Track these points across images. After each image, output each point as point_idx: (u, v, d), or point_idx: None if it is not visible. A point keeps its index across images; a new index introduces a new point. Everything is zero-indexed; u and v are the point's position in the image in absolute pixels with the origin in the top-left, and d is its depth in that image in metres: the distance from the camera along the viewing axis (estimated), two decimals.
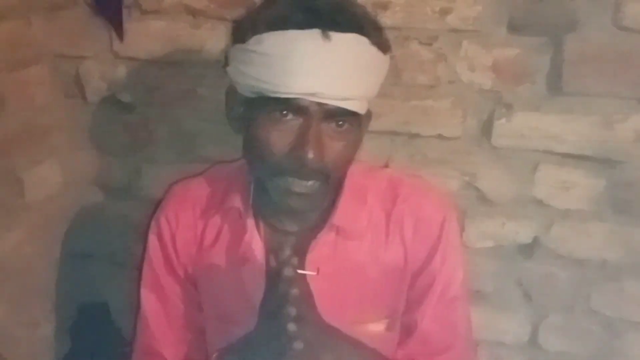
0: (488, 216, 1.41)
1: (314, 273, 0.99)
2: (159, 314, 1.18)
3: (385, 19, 1.30)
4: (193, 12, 1.43)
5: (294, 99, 0.92)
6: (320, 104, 0.93)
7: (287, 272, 0.89)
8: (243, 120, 1.01)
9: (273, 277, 0.91)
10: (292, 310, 0.88)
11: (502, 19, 1.27)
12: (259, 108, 0.96)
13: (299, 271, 0.90)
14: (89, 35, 1.52)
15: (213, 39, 1.43)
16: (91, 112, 1.61)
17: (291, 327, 0.88)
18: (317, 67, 0.91)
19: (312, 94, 0.92)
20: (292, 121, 0.95)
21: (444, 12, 1.29)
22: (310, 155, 0.92)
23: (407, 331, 1.13)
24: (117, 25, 1.48)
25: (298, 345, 0.89)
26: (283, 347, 0.90)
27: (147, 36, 1.49)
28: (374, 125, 1.29)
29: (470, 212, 1.41)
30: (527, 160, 1.35)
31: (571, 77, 1.27)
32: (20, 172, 1.54)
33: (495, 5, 1.27)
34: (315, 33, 0.90)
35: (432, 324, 1.11)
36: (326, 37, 0.90)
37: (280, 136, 0.95)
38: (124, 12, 1.47)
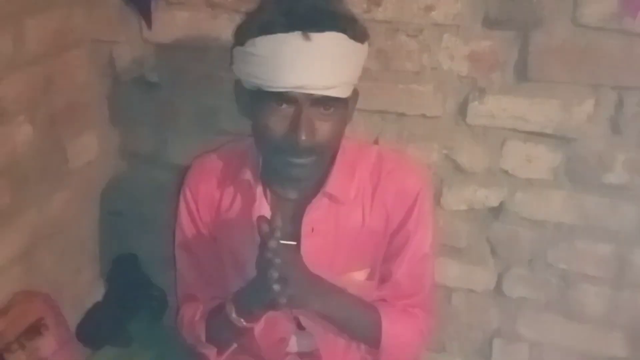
0: (463, 184, 1.45)
1: (294, 243, 1.07)
2: (190, 266, 1.26)
3: (378, 13, 1.35)
4: (212, 5, 1.47)
5: (285, 92, 0.98)
6: (307, 94, 0.97)
7: (272, 243, 0.95)
8: (248, 108, 1.07)
9: (262, 245, 0.98)
10: (275, 275, 0.95)
11: (478, 16, 1.30)
12: (260, 99, 1.01)
13: (282, 242, 0.97)
14: (121, 23, 1.56)
15: (229, 28, 1.39)
16: (123, 90, 1.65)
17: (275, 287, 0.96)
18: (301, 64, 0.95)
19: (300, 87, 0.96)
20: (286, 109, 1.00)
21: (429, 9, 1.32)
22: (303, 137, 0.98)
23: (383, 279, 1.20)
24: (146, 15, 1.52)
25: (282, 300, 0.97)
26: (272, 299, 0.98)
27: (172, 25, 1.52)
28: (367, 105, 1.36)
29: (447, 180, 1.46)
30: (496, 137, 1.39)
31: (536, 67, 1.30)
32: (65, 142, 1.59)
33: (472, 4, 1.30)
34: (297, 35, 0.94)
35: (404, 274, 1.17)
36: (306, 37, 0.94)
37: (277, 122, 1.00)
38: (152, 3, 1.51)
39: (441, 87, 1.39)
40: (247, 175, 1.15)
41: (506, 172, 1.42)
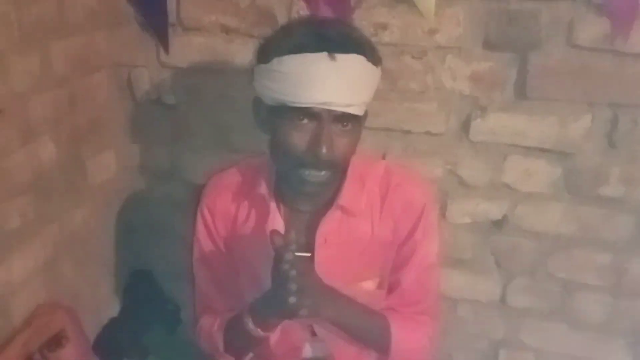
0: (466, 197, 1.50)
1: (309, 254, 1.10)
2: (208, 279, 1.30)
3: (385, 37, 1.41)
4: (227, 30, 1.53)
5: (309, 107, 1.03)
6: (329, 110, 1.03)
7: (288, 256, 1.00)
8: (268, 123, 1.12)
9: (277, 257, 1.02)
10: (293, 286, 1.00)
11: (479, 39, 1.37)
12: (281, 114, 1.06)
13: (297, 254, 1.00)
14: (140, 48, 1.63)
15: (243, 51, 1.53)
16: (141, 111, 1.71)
17: (292, 299, 1.00)
18: (326, 81, 1.02)
19: (323, 103, 1.02)
20: (308, 124, 1.05)
21: (433, 32, 1.38)
22: (324, 150, 1.04)
23: (391, 289, 1.25)
24: (163, 40, 1.59)
25: (303, 312, 1.02)
26: (288, 310, 1.02)
27: (188, 49, 1.58)
28: (374, 123, 1.41)
29: (451, 194, 1.51)
30: (498, 152, 1.44)
31: (534, 86, 1.36)
32: (86, 160, 1.65)
33: (473, 28, 1.36)
34: (324, 55, 1.01)
35: (412, 283, 1.22)
36: (332, 58, 1.01)
37: (299, 136, 1.06)
38: (169, 29, 1.57)
39: (444, 106, 1.44)
40: (262, 189, 1.20)
41: (508, 186, 1.47)
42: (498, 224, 1.51)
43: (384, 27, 1.41)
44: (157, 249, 1.84)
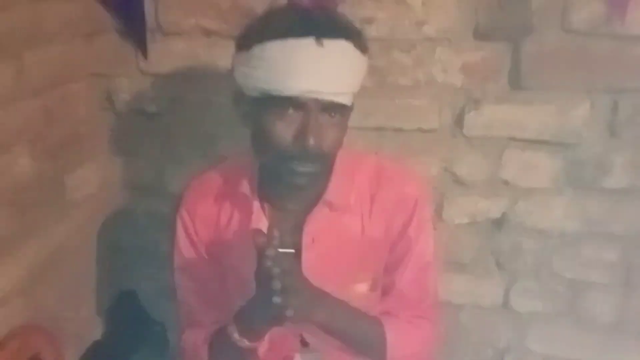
0: (463, 196, 1.45)
1: (292, 251, 1.03)
2: (191, 289, 1.23)
3: (371, 31, 1.36)
4: (208, 33, 1.48)
5: (295, 96, 0.97)
6: (317, 100, 0.98)
7: (269, 251, 0.93)
8: (250, 116, 1.06)
9: (260, 255, 0.96)
10: (276, 285, 0.93)
11: (469, 28, 1.33)
12: (265, 106, 1.01)
13: (280, 250, 0.94)
14: (119, 57, 1.57)
15: (226, 55, 1.41)
16: (122, 122, 1.65)
17: (276, 299, 0.93)
18: (313, 68, 0.96)
19: (310, 92, 0.97)
20: (294, 115, 0.99)
21: (420, 24, 1.35)
22: (311, 141, 0.98)
23: (385, 291, 1.18)
24: (142, 46, 1.53)
25: (289, 312, 0.94)
26: (274, 313, 0.96)
27: (169, 55, 1.53)
28: (364, 122, 1.37)
29: (448, 194, 1.45)
30: (494, 147, 1.39)
31: (529, 74, 1.32)
32: (64, 174, 1.58)
33: (462, 17, 1.32)
34: (310, 40, 0.96)
35: (407, 284, 1.16)
36: (320, 43, 0.96)
37: (284, 128, 1.00)
38: (148, 34, 1.52)
39: (436, 100, 1.40)
40: (244, 188, 1.14)
41: (506, 182, 1.42)
42: (498, 223, 1.45)
43: (370, 21, 1.37)
44: (142, 268, 1.77)
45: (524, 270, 1.47)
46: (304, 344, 1.18)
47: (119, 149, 1.69)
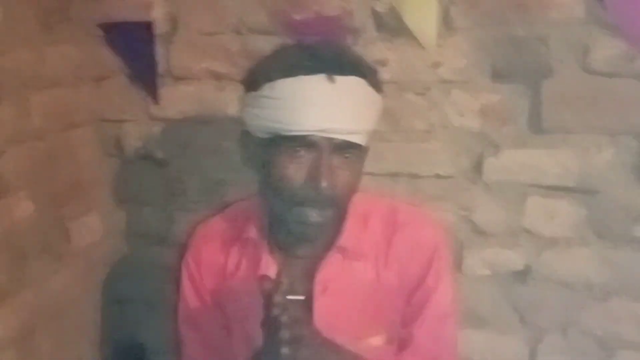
0: (484, 246, 1.37)
1: (302, 298, 0.98)
2: (196, 341, 1.16)
3: (384, 74, 1.30)
4: (218, 77, 1.46)
5: (307, 135, 0.93)
6: (329, 139, 0.93)
7: (277, 298, 0.87)
8: (258, 159, 1.02)
9: (267, 302, 0.89)
10: (285, 334, 0.86)
11: (486, 69, 1.28)
12: (274, 147, 0.96)
13: (288, 297, 0.88)
14: (128, 102, 1.56)
15: (235, 99, 1.45)
16: (129, 168, 1.62)
17: (284, 350, 0.86)
18: (324, 106, 0.92)
19: (322, 130, 0.92)
20: (305, 156, 0.95)
21: (435, 65, 1.30)
22: (324, 184, 0.93)
23: (402, 345, 1.10)
24: (152, 91, 1.52)
25: None
26: None
27: (178, 99, 1.51)
28: (377, 168, 1.32)
29: (467, 243, 1.38)
30: (515, 194, 1.32)
31: (549, 117, 1.26)
32: (67, 221, 1.54)
33: (478, 58, 1.28)
34: (321, 77, 0.92)
35: (425, 336, 1.08)
36: (331, 80, 0.92)
37: (295, 170, 0.95)
38: (158, 79, 1.50)
39: (453, 145, 1.34)
40: (252, 232, 1.08)
41: (529, 231, 1.34)
42: (521, 275, 1.37)
43: (383, 63, 1.33)
44: (148, 322, 1.70)
45: (550, 327, 1.37)
46: None
47: (125, 197, 1.65)
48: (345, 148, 0.95)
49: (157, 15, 1.47)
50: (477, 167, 1.34)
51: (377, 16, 1.31)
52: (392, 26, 1.31)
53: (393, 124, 1.35)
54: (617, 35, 1.19)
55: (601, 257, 1.30)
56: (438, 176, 1.36)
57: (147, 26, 1.48)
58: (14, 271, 1.36)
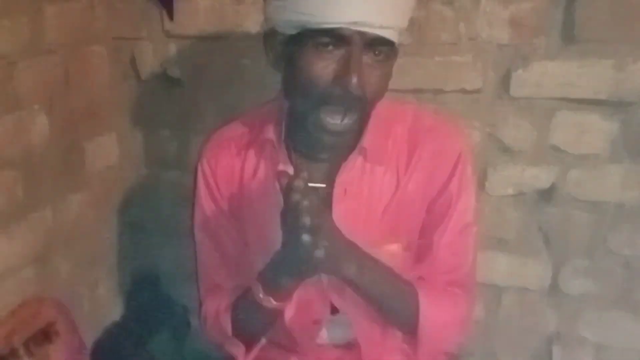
0: (509, 164, 1.33)
1: (323, 185, 0.95)
2: (212, 249, 1.13)
3: None
4: None
5: (337, 28, 0.87)
6: (361, 33, 0.87)
7: (298, 183, 0.83)
8: (284, 58, 0.96)
9: (288, 190, 0.86)
10: (306, 221, 0.82)
11: None
12: (302, 42, 0.90)
13: (310, 184, 0.84)
14: (143, 18, 1.51)
15: (253, 14, 1.41)
16: (145, 89, 1.58)
17: (305, 238, 0.83)
18: None
19: (354, 23, 0.86)
20: (335, 51, 0.89)
21: None
22: (355, 80, 0.87)
23: (420, 256, 1.07)
24: (168, 6, 1.47)
25: (319, 253, 0.84)
26: (305, 258, 0.86)
27: (194, 15, 1.46)
28: (400, 84, 1.24)
29: (492, 162, 1.34)
30: (544, 109, 1.27)
31: (584, 26, 1.20)
32: (83, 142, 1.52)
33: None
34: None
35: (445, 246, 1.04)
36: None
37: (324, 66, 0.89)
38: None
39: (481, 58, 1.29)
40: (270, 134, 1.03)
41: (557, 148, 1.29)
42: (547, 195, 1.32)
43: None
44: (164, 247, 1.68)
45: (576, 248, 1.33)
46: (333, 311, 1.06)
47: (141, 120, 1.62)
48: (377, 45, 0.90)
49: None
50: (505, 81, 1.29)
51: None
52: None
53: (418, 36, 1.30)
54: None
55: (633, 175, 1.26)
56: (464, 91, 1.31)
57: None
58: (31, 189, 1.34)
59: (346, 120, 0.92)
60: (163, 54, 1.53)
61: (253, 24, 1.42)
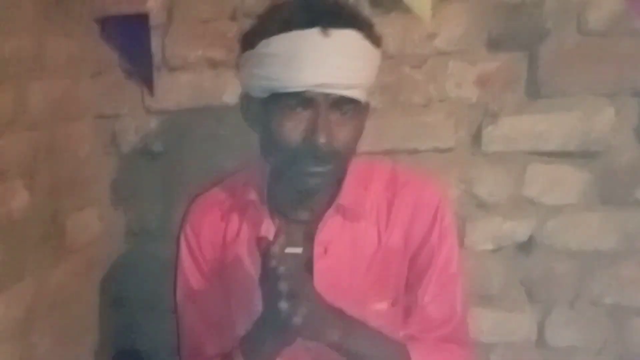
0: (486, 219, 1.35)
1: (299, 250, 0.96)
2: (196, 316, 1.12)
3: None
4: (214, 64, 1.45)
5: (303, 91, 0.91)
6: (325, 94, 0.91)
7: (274, 249, 0.85)
8: (258, 120, 1.00)
9: (265, 256, 0.87)
10: (283, 286, 0.83)
11: (482, 38, 1.28)
12: (272, 105, 0.94)
13: (287, 250, 0.86)
14: (124, 95, 1.54)
15: (232, 85, 1.44)
16: (127, 164, 1.59)
17: (282, 305, 0.84)
18: (320, 60, 0.90)
19: (319, 85, 0.91)
20: (303, 113, 0.93)
21: (431, 37, 1.30)
22: (322, 139, 0.90)
23: (408, 312, 1.06)
24: (148, 83, 1.50)
25: (297, 319, 0.84)
26: (284, 324, 0.85)
27: (174, 89, 1.50)
28: (376, 145, 1.30)
29: (470, 217, 1.36)
30: (516, 162, 1.31)
31: (547, 81, 1.26)
32: (64, 217, 1.51)
33: (474, 26, 1.28)
34: (315, 31, 0.90)
35: (432, 300, 1.04)
36: (325, 33, 0.90)
37: (293, 127, 0.93)
38: (155, 70, 1.49)
39: (452, 117, 1.34)
40: (252, 195, 1.06)
41: (532, 200, 1.32)
42: (526, 247, 1.34)
43: None
44: (147, 324, 1.65)
45: (559, 299, 1.34)
46: None
47: (123, 194, 1.62)
48: (343, 104, 0.94)
49: (153, 5, 1.47)
50: (477, 138, 1.33)
51: None
52: (386, 0, 1.31)
53: (390, 99, 1.35)
54: None
55: (608, 222, 1.29)
56: (438, 150, 1.35)
57: (143, 18, 1.48)
58: (11, 263, 1.32)
59: (320, 168, 0.95)
60: (144, 128, 1.56)
61: (231, 96, 1.45)
